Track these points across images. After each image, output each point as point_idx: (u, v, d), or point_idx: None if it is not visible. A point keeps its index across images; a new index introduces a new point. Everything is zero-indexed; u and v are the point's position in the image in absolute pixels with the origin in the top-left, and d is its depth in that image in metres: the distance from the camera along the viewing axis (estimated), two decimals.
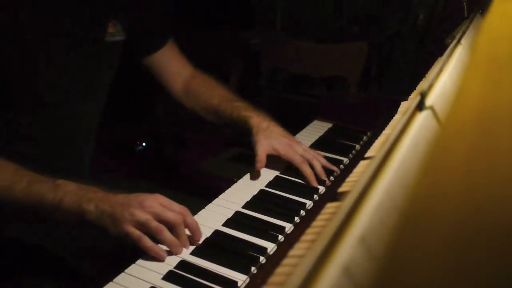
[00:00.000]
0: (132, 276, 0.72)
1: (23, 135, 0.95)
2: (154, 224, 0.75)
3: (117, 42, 1.02)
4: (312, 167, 1.01)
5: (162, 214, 0.76)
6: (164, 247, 0.77)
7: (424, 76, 0.86)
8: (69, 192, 0.77)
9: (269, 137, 1.03)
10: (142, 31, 1.09)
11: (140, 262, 0.75)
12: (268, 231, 0.84)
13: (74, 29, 0.94)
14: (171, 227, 0.76)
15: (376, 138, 0.69)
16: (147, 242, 0.74)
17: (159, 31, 1.16)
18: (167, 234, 0.75)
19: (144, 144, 1.68)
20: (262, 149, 1.01)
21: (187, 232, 0.79)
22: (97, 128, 1.11)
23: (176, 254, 0.76)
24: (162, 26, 1.18)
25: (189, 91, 1.20)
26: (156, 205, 0.76)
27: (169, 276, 0.72)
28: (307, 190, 0.97)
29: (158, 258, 0.75)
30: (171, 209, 0.78)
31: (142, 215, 0.74)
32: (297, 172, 1.01)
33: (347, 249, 0.31)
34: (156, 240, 0.76)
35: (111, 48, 1.02)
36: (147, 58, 1.14)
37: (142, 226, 0.74)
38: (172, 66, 1.19)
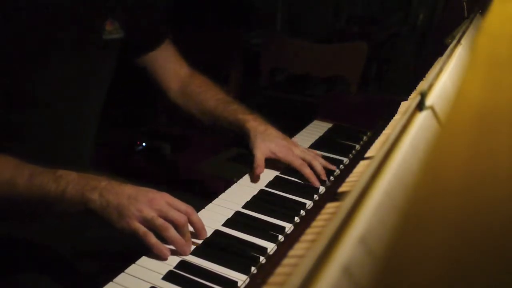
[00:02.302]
0: (132, 276, 0.72)
1: (21, 134, 0.95)
2: (160, 221, 0.75)
3: (115, 40, 1.02)
4: (312, 167, 1.01)
5: (168, 212, 0.76)
6: (170, 247, 0.77)
7: (424, 76, 0.86)
8: (71, 182, 0.77)
9: (267, 141, 1.03)
10: (139, 30, 1.08)
11: (140, 262, 0.75)
12: (268, 231, 0.84)
13: (71, 26, 0.93)
14: (176, 226, 0.76)
15: (376, 138, 0.69)
16: (152, 238, 0.74)
17: (156, 30, 1.15)
18: (172, 232, 0.75)
19: (144, 144, 1.68)
20: (260, 153, 1.01)
21: (191, 229, 0.79)
22: (97, 128, 1.10)
23: (183, 253, 0.77)
24: (158, 25, 1.16)
25: (185, 92, 1.19)
26: (163, 204, 0.77)
27: (169, 276, 0.72)
28: (307, 190, 0.97)
29: (161, 256, 0.75)
30: (177, 208, 0.78)
31: (150, 212, 0.75)
32: (297, 172, 1.02)
33: (347, 249, 0.31)
34: (161, 238, 0.76)
35: (109, 46, 1.01)
36: (143, 57, 1.13)
37: (148, 223, 0.75)
38: (169, 66, 1.18)
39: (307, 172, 1.00)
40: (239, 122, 1.08)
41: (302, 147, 1.08)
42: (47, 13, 0.89)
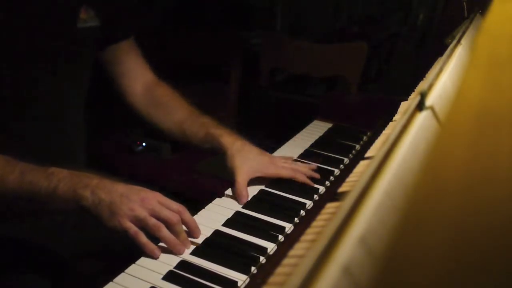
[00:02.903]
0: (132, 276, 0.72)
1: (7, 130, 0.93)
2: (153, 221, 0.75)
3: (90, 28, 0.97)
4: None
5: (160, 212, 0.76)
6: (164, 246, 0.77)
7: (424, 76, 0.86)
8: (63, 179, 0.77)
9: (247, 159, 0.96)
10: (108, 19, 1.02)
11: (140, 262, 0.75)
12: (268, 231, 0.84)
13: (43, 15, 0.90)
14: (168, 226, 0.76)
15: (376, 138, 0.69)
16: (143, 238, 0.75)
17: (124, 22, 1.08)
18: (165, 232, 0.76)
19: (144, 144, 1.68)
20: (243, 177, 0.94)
21: (185, 229, 0.79)
22: (86, 121, 1.07)
23: (177, 253, 0.77)
24: (126, 18, 1.10)
25: (150, 98, 1.10)
26: (155, 203, 0.77)
27: (169, 276, 0.72)
28: (307, 190, 0.97)
29: (152, 256, 0.75)
30: (169, 207, 0.78)
31: (142, 212, 0.75)
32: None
33: (347, 249, 0.31)
34: (154, 239, 0.76)
35: (85, 34, 0.97)
36: (106, 50, 1.06)
37: (140, 222, 0.75)
38: (133, 66, 1.10)
39: (300, 178, 0.98)
40: (212, 137, 1.00)
41: (282, 158, 1.05)
42: (15, 2, 0.87)
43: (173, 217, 0.76)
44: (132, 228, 0.74)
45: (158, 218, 0.76)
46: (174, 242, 0.76)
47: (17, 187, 0.78)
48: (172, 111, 1.09)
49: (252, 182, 0.99)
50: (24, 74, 0.91)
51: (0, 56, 0.87)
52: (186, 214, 0.79)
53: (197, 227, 0.81)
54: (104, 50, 1.07)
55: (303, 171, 1.00)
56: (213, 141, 1.00)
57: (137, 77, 1.11)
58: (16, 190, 0.78)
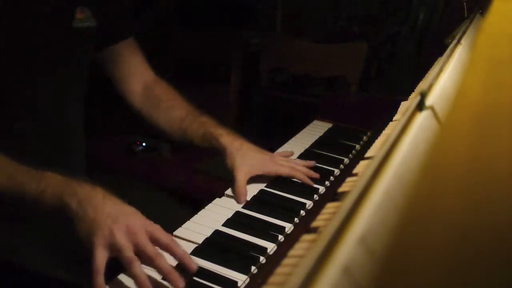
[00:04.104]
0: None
1: (6, 131, 0.93)
2: (127, 254, 0.68)
3: (87, 29, 0.96)
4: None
5: (144, 247, 0.69)
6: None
7: (424, 76, 0.86)
8: (52, 184, 0.75)
9: (247, 158, 0.96)
10: (105, 19, 1.02)
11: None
12: (268, 231, 0.84)
13: (38, 16, 0.89)
14: (150, 263, 0.70)
15: (376, 138, 0.69)
16: (100, 277, 0.68)
17: (123, 23, 1.08)
18: (138, 269, 0.68)
19: (144, 144, 1.68)
20: (242, 175, 0.93)
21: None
22: (85, 125, 1.06)
23: None
24: (125, 17, 1.10)
25: (150, 97, 1.10)
26: (141, 233, 0.70)
27: None
28: (307, 190, 0.97)
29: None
30: (158, 240, 0.71)
31: (121, 239, 0.69)
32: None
33: (347, 249, 0.31)
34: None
35: (81, 35, 0.96)
36: (105, 50, 1.06)
37: (115, 251, 0.69)
38: (132, 65, 1.09)
39: (300, 176, 0.98)
40: (211, 136, 1.00)
41: (281, 156, 1.05)
42: (10, 3, 0.86)
43: (156, 257, 0.69)
44: (99, 255, 0.68)
45: (141, 251, 0.69)
46: (143, 278, 0.67)
47: (7, 187, 0.77)
48: (172, 110, 1.08)
49: (252, 182, 0.99)
50: (21, 75, 0.91)
51: None
52: (177, 248, 0.72)
53: (190, 261, 0.72)
54: (103, 50, 1.06)
55: (302, 170, 1.00)
56: (212, 141, 0.99)
57: (136, 77, 1.10)
58: (6, 190, 0.77)
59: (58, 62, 0.96)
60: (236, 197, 0.93)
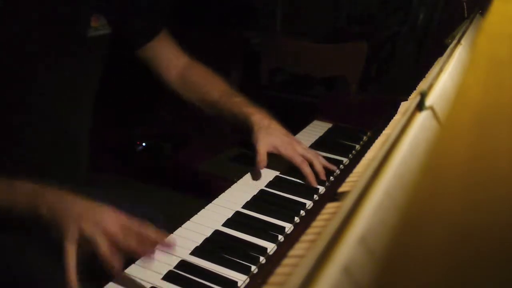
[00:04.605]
0: (132, 276, 0.72)
1: (13, 138, 0.93)
2: (100, 245, 0.69)
3: (101, 37, 0.99)
4: (312, 166, 1.01)
5: (116, 237, 0.69)
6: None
7: (424, 76, 0.86)
8: (24, 193, 0.76)
9: (270, 135, 1.02)
10: (132, 23, 1.06)
11: (140, 262, 0.75)
12: (268, 231, 0.84)
13: (53, 25, 0.90)
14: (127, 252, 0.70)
15: (376, 138, 0.69)
16: (70, 268, 0.69)
17: (150, 21, 1.13)
18: (104, 249, 0.68)
19: (144, 144, 1.68)
20: (263, 147, 1.00)
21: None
22: (90, 129, 1.08)
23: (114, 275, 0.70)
24: (152, 16, 1.15)
25: (185, 81, 1.17)
26: (111, 225, 0.70)
27: (169, 276, 0.72)
28: (307, 190, 0.97)
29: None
30: (129, 228, 0.71)
31: (91, 234, 0.69)
32: (297, 172, 1.01)
33: (347, 249, 0.31)
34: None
35: (96, 43, 0.98)
36: (141, 49, 1.11)
37: (89, 244, 0.69)
38: (166, 56, 1.16)
39: (307, 170, 1.00)
40: (244, 115, 1.07)
41: (304, 145, 1.07)
42: (26, 12, 0.87)
43: (129, 245, 0.69)
44: (68, 254, 0.68)
45: (113, 242, 0.69)
46: (110, 261, 0.68)
47: None
48: (206, 92, 1.15)
49: (252, 182, 0.99)
50: (31, 81, 0.91)
51: (11, 63, 0.87)
52: (150, 233, 0.71)
53: (168, 241, 0.73)
54: (138, 50, 1.12)
55: (317, 167, 1.01)
56: (244, 119, 1.07)
57: (171, 64, 1.17)
58: None
59: (72, 68, 0.97)
60: (256, 166, 1.00)
